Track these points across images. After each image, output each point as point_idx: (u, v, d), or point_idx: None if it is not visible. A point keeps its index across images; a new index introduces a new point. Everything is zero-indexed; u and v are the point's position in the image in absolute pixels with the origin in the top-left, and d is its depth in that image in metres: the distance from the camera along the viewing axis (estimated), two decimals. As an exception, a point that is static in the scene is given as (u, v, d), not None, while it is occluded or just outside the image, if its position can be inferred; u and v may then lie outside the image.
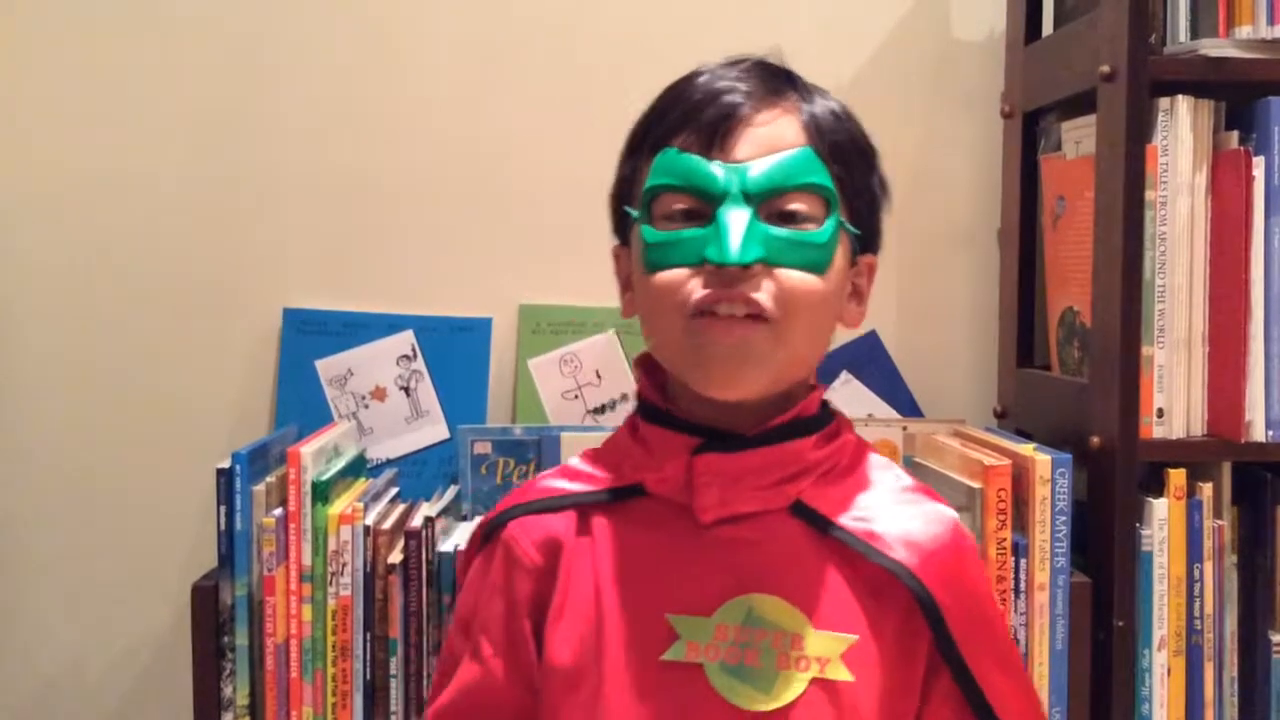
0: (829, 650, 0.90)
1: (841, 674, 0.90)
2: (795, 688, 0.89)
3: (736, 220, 0.89)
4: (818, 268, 0.92)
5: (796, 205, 0.92)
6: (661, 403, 0.98)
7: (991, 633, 0.96)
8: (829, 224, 0.93)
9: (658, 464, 0.96)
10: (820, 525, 0.93)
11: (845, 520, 0.93)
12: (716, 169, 0.91)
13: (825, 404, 0.99)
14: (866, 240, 0.99)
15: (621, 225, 1.02)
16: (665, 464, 0.95)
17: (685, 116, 0.94)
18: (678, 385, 0.97)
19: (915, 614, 0.92)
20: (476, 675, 0.96)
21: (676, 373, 0.96)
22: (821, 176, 0.93)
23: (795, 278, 0.91)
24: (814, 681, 0.90)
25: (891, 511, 0.95)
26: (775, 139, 0.93)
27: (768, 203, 0.91)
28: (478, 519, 1.46)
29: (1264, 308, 1.30)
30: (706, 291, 0.90)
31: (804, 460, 0.95)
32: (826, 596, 0.92)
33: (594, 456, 1.02)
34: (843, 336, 1.61)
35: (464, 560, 1.04)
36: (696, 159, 0.92)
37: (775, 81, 0.96)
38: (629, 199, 0.99)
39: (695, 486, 0.93)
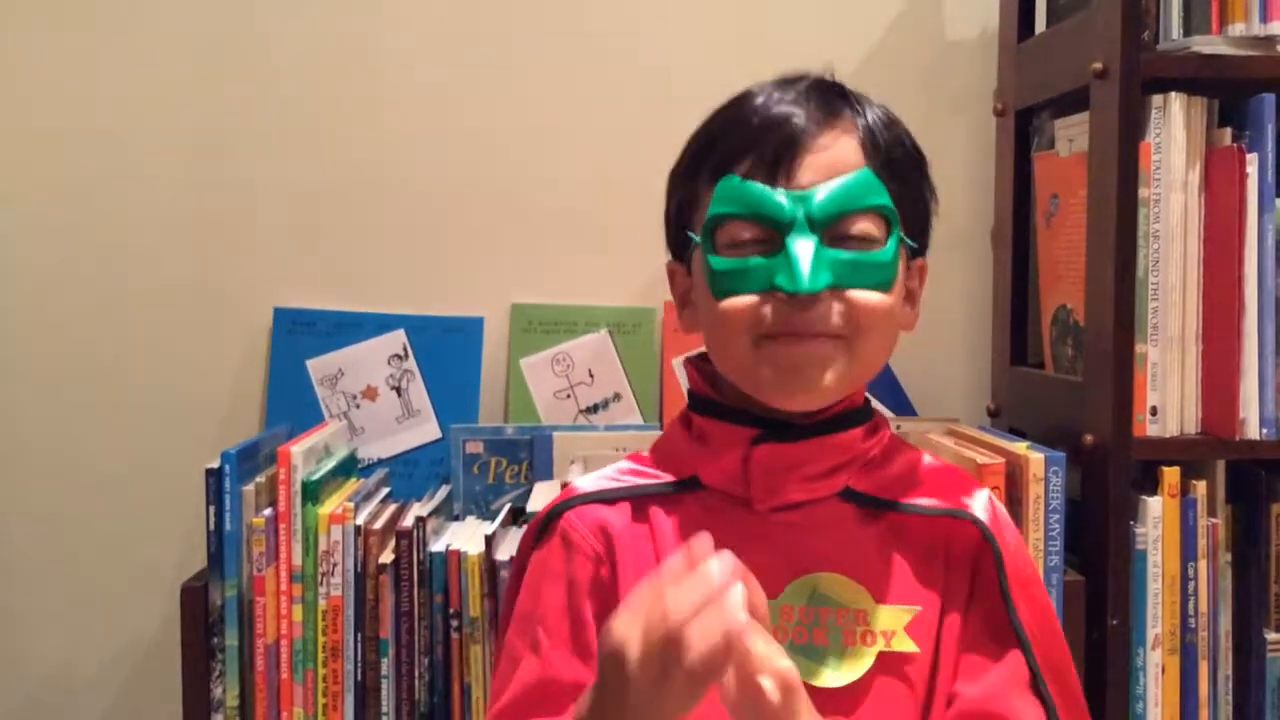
0: (893, 623, 0.94)
1: (907, 645, 0.93)
2: (864, 662, 0.93)
3: (804, 249, 0.91)
4: (884, 286, 0.95)
5: (860, 227, 0.94)
6: (718, 396, 1.00)
7: (1031, 588, 0.98)
8: (890, 243, 0.95)
9: (715, 455, 0.98)
10: (870, 504, 0.97)
11: (890, 496, 0.97)
12: (781, 198, 0.93)
13: (867, 399, 1.03)
14: (920, 245, 1.02)
15: (678, 244, 1.03)
16: (723, 455, 0.97)
17: (746, 143, 0.95)
18: (728, 382, 0.99)
19: (958, 568, 0.96)
20: (538, 671, 0.96)
21: (747, 389, 0.97)
22: (881, 196, 0.95)
23: (863, 297, 0.94)
24: (881, 655, 0.93)
25: (930, 485, 0.99)
26: (836, 163, 0.94)
27: (833, 227, 0.93)
28: (471, 518, 1.47)
29: (1258, 305, 1.30)
30: (774, 323, 0.93)
31: (854, 449, 0.98)
32: (885, 572, 0.96)
33: (640, 459, 1.04)
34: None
35: (518, 559, 1.04)
36: (761, 188, 0.93)
37: (831, 101, 0.97)
38: (688, 222, 1.00)
39: (752, 476, 0.96)
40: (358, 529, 1.31)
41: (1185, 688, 1.31)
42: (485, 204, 1.63)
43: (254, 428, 1.60)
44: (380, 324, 1.60)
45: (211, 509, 1.29)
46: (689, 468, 1.00)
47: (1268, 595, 1.35)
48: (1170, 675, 1.31)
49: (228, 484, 1.29)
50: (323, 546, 1.30)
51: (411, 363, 1.60)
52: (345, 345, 1.60)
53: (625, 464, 1.04)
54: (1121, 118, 1.28)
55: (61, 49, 1.61)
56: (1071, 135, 1.44)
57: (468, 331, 1.61)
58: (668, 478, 1.00)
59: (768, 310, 0.93)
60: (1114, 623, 1.28)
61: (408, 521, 1.32)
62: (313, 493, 1.31)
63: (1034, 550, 1.27)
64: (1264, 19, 1.31)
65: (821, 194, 0.93)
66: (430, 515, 1.34)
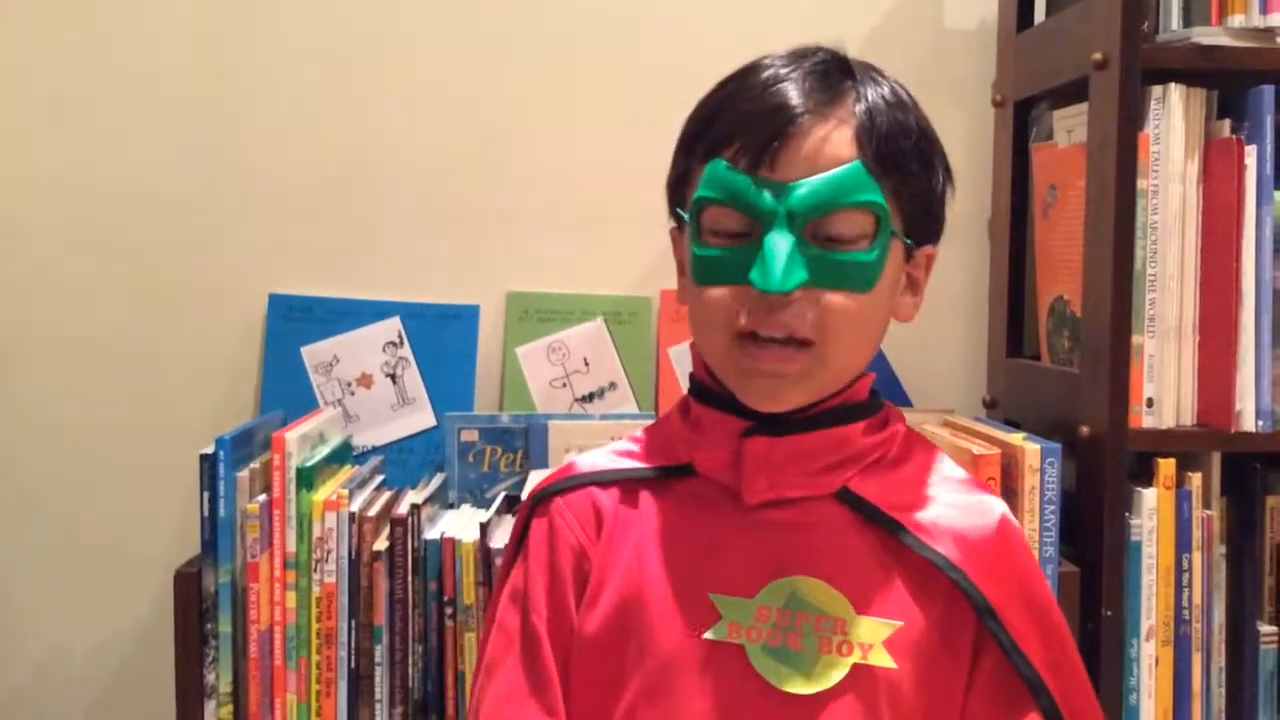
0: (873, 636, 0.91)
1: (884, 660, 0.90)
2: (837, 672, 0.90)
3: (780, 245, 0.88)
4: (863, 287, 0.92)
5: (845, 225, 0.91)
6: (714, 385, 0.98)
7: (1044, 618, 0.95)
8: (878, 243, 0.91)
9: (708, 445, 0.96)
10: (867, 513, 0.94)
11: (892, 510, 0.94)
12: (764, 190, 0.90)
13: (875, 393, 0.99)
14: (925, 234, 0.98)
15: (676, 214, 1.01)
16: (716, 445, 0.96)
17: (736, 125, 0.92)
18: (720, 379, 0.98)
19: (959, 603, 0.92)
20: (525, 648, 0.95)
21: (723, 379, 0.96)
22: (871, 193, 0.90)
23: (838, 301, 0.91)
24: (856, 667, 0.90)
25: (939, 503, 0.95)
26: (826, 155, 0.90)
27: (815, 223, 0.90)
28: (466, 506, 1.47)
29: (1255, 297, 1.30)
30: (749, 319, 0.91)
31: (853, 446, 0.95)
32: (871, 582, 0.92)
33: (643, 437, 1.03)
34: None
35: (515, 528, 1.03)
36: (743, 178, 0.90)
37: (833, 85, 0.93)
38: (682, 197, 0.98)
39: (743, 469, 0.94)
40: (352, 516, 1.30)
41: (1179, 679, 1.32)
42: (482, 192, 1.62)
43: (248, 414, 1.60)
44: (376, 311, 1.60)
45: (206, 495, 1.29)
46: (684, 454, 0.98)
47: (1261, 588, 1.35)
48: (1164, 667, 1.31)
49: (222, 470, 1.28)
50: (317, 533, 1.30)
51: (407, 350, 1.60)
52: (340, 332, 1.60)
53: (624, 444, 1.03)
54: (1120, 109, 1.28)
55: (52, 34, 1.60)
56: (1070, 126, 1.44)
57: (463, 319, 1.60)
58: (662, 463, 0.99)
59: (742, 306, 0.91)
60: (1108, 614, 1.28)
61: (402, 509, 1.31)
62: (307, 479, 1.31)
63: (1029, 541, 1.27)
64: (1264, 10, 1.31)
65: (805, 188, 0.89)
66: (425, 503, 1.34)
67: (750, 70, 0.96)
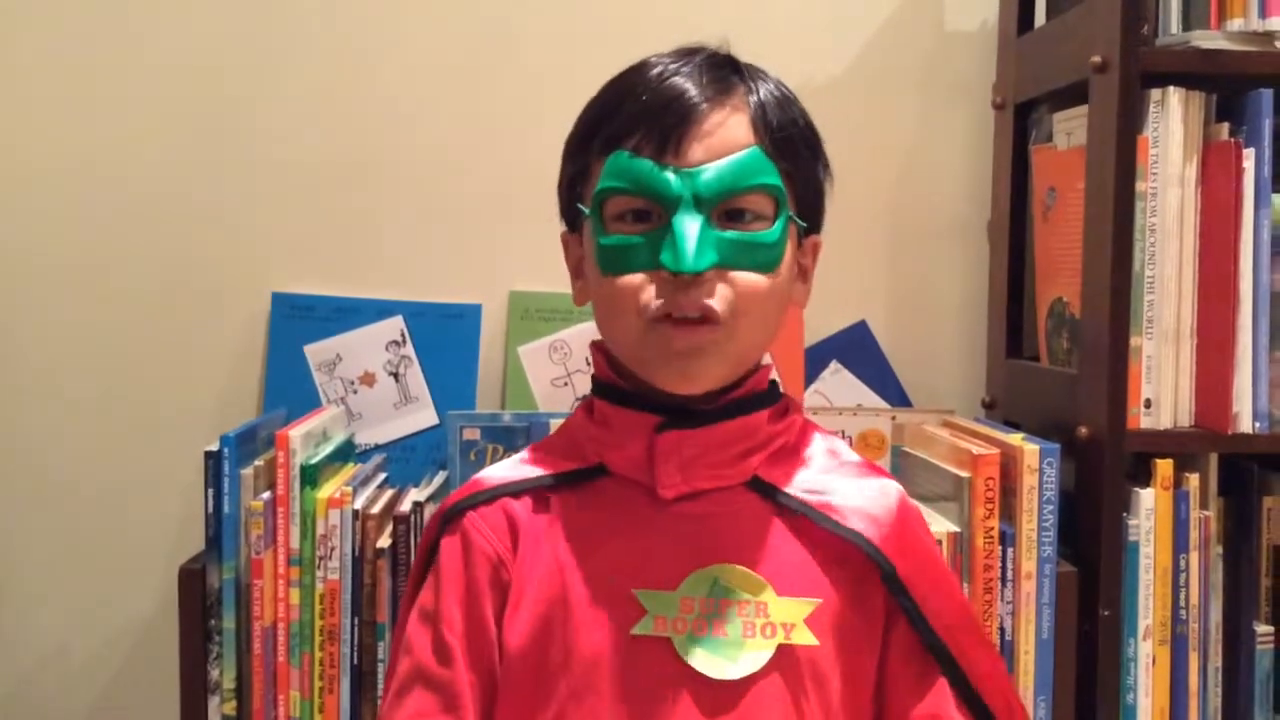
0: (793, 615, 0.93)
1: (806, 638, 0.93)
2: (763, 655, 0.92)
3: (690, 227, 0.91)
4: (768, 267, 0.95)
5: (747, 205, 0.94)
6: (622, 384, 1.00)
7: (949, 591, 1.00)
8: (779, 223, 0.95)
9: (619, 443, 0.98)
10: (777, 498, 0.97)
11: (800, 493, 0.97)
12: (670, 175, 0.92)
13: (774, 383, 1.03)
14: (812, 223, 1.02)
15: (570, 214, 1.04)
16: (628, 443, 0.97)
17: (636, 117, 0.95)
18: (632, 368, 0.99)
19: (869, 577, 0.96)
20: (436, 666, 0.95)
21: (635, 368, 0.98)
22: (771, 176, 0.95)
23: (746, 279, 0.94)
24: (781, 647, 0.93)
25: (841, 484, 0.99)
26: (726, 141, 0.94)
27: (719, 205, 0.93)
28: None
29: (1252, 300, 1.31)
30: (662, 301, 0.93)
31: (760, 434, 0.98)
32: (788, 563, 0.96)
33: (544, 446, 1.04)
34: (832, 326, 1.62)
35: (423, 546, 1.03)
36: (649, 165, 0.93)
37: (725, 76, 0.97)
38: (579, 194, 1.00)
39: (657, 463, 0.96)
40: (355, 513, 1.31)
41: (1175, 679, 1.32)
42: (484, 191, 1.63)
43: (251, 412, 1.60)
44: (378, 310, 1.61)
45: (210, 492, 1.29)
46: (594, 455, 0.99)
47: (1258, 588, 1.36)
48: (1161, 666, 1.32)
49: (226, 467, 1.29)
50: (320, 530, 1.31)
51: (409, 349, 1.61)
52: (343, 331, 1.60)
53: (527, 454, 1.04)
54: (1120, 111, 1.28)
55: (53, 32, 1.60)
56: (1070, 129, 1.45)
57: (466, 318, 1.61)
58: (573, 465, 1.00)
59: (652, 289, 0.93)
60: (1105, 614, 1.29)
61: (405, 506, 1.32)
62: (311, 477, 1.31)
63: (1027, 541, 1.28)
64: (1263, 15, 1.31)
65: (710, 172, 0.92)
66: (427, 501, 1.34)
67: (640, 67, 0.99)
